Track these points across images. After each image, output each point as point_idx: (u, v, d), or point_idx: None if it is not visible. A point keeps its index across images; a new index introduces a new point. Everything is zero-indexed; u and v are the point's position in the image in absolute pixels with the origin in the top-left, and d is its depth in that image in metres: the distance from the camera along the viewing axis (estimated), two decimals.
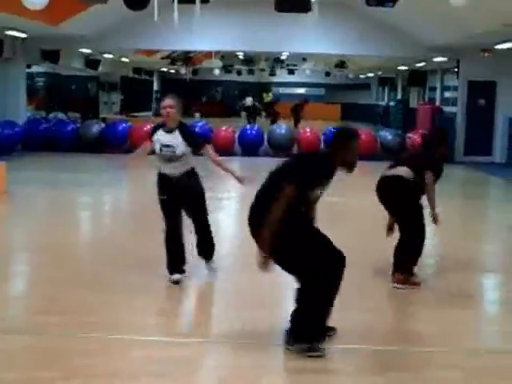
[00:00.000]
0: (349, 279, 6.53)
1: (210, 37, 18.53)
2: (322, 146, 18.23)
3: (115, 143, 17.85)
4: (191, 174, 6.04)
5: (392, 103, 32.77)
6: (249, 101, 32.97)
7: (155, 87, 39.25)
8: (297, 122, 28.43)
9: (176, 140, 5.86)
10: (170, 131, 5.90)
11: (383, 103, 35.49)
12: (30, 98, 22.89)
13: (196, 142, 6.01)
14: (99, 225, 9.58)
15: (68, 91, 28.36)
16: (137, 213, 9.96)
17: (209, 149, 6.03)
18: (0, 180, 10.77)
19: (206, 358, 4.63)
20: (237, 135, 18.82)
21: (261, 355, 4.56)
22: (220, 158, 6.07)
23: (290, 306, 5.62)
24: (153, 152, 6.02)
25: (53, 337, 4.75)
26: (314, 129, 18.79)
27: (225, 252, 7.27)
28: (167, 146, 5.86)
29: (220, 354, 4.65)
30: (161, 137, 5.92)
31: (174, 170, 5.95)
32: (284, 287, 6.19)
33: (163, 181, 6.03)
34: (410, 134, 19.06)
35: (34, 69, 24.91)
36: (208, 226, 6.26)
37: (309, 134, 18.31)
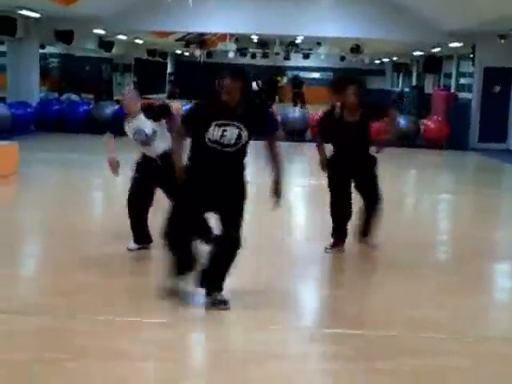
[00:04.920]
0: (356, 264, 6.54)
1: (224, 19, 18.43)
2: None
3: None
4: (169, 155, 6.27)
5: (407, 89, 32.50)
6: (253, 85, 32.55)
7: (169, 69, 39.14)
8: (296, 104, 28.79)
9: (141, 123, 6.19)
10: (134, 117, 6.25)
11: (398, 89, 35.22)
12: (44, 78, 22.88)
13: (157, 109, 6.31)
14: (110, 206, 9.57)
15: (81, 72, 28.31)
16: None
17: (175, 119, 6.16)
18: (12, 161, 10.78)
19: (213, 341, 4.62)
20: None
21: (267, 338, 4.56)
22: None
23: (289, 285, 5.63)
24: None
25: (61, 318, 4.75)
26: None
27: None
28: (136, 132, 6.20)
29: (227, 338, 4.66)
30: (129, 125, 6.27)
31: (152, 152, 6.24)
32: (285, 269, 6.19)
33: (145, 160, 6.33)
34: (424, 121, 18.91)
35: (48, 49, 24.85)
36: None
37: None
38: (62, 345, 4.31)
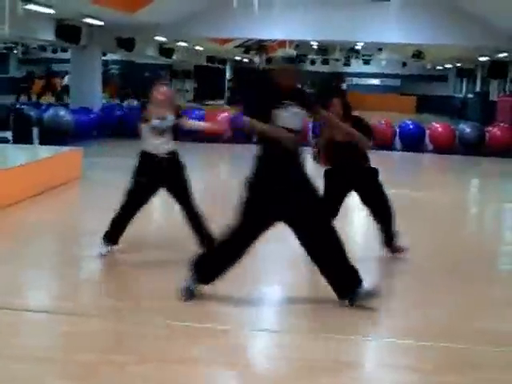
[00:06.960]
0: (418, 273, 6.31)
1: (285, 26, 18.31)
2: (397, 139, 17.88)
3: (189, 130, 17.87)
4: (177, 154, 6.41)
5: (470, 95, 31.82)
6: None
7: (228, 76, 39.35)
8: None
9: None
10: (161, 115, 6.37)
11: (461, 95, 34.52)
12: (105, 85, 23.25)
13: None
14: (170, 210, 9.53)
15: (141, 79, 28.70)
16: (207, 199, 9.89)
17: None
18: (77, 166, 10.92)
19: (280, 348, 4.51)
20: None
21: (339, 347, 4.46)
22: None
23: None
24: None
25: (124, 321, 4.75)
26: (389, 121, 18.27)
27: None
28: (162, 118, 6.29)
29: (294, 345, 4.55)
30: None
31: (162, 146, 6.26)
32: None
33: (148, 161, 6.28)
34: (490, 128, 18.38)
35: (109, 56, 25.28)
36: (196, 210, 6.40)
37: (384, 125, 17.72)
38: (125, 348, 4.31)
